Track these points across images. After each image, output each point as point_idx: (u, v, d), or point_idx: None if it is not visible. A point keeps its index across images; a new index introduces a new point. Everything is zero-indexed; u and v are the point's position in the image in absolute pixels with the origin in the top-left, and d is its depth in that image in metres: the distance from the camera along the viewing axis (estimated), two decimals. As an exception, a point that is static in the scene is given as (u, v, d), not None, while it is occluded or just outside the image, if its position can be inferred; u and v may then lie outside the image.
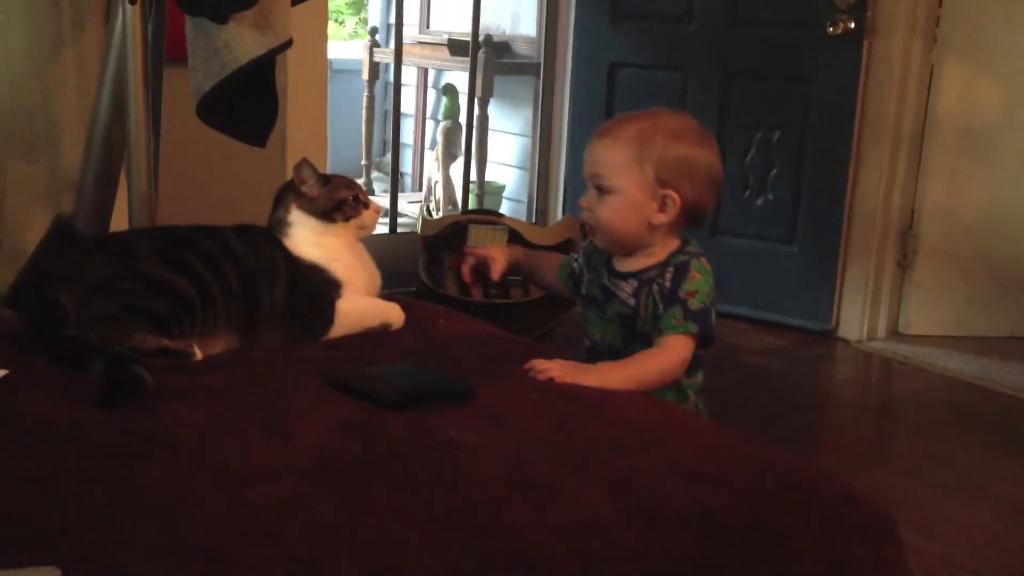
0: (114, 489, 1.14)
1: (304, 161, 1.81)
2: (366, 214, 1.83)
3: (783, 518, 1.25)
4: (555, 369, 1.62)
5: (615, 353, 1.77)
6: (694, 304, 1.70)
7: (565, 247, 3.17)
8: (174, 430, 1.31)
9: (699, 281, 1.72)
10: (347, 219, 1.81)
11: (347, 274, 1.79)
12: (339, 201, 1.80)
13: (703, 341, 1.72)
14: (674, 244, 1.79)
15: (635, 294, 1.76)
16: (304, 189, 1.80)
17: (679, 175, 1.74)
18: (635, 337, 1.76)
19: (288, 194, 1.82)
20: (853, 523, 1.29)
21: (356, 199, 1.82)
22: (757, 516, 1.25)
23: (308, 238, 1.79)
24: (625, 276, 1.78)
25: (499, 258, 1.93)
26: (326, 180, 1.83)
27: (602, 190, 1.75)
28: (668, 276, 1.73)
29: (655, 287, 1.73)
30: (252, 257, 1.73)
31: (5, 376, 1.43)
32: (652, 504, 1.23)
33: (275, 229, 1.81)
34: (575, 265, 1.90)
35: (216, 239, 1.73)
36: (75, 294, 1.58)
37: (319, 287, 1.76)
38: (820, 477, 1.38)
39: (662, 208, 1.74)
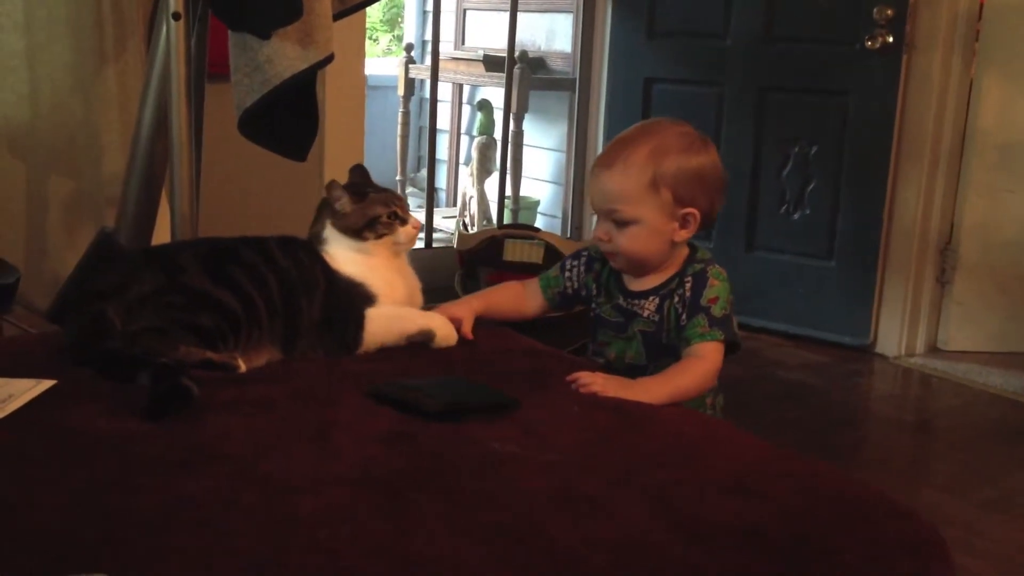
0: (162, 500, 1.15)
1: (333, 182, 1.81)
2: (401, 231, 1.80)
3: (832, 534, 1.24)
4: (599, 383, 1.62)
5: (637, 371, 1.77)
6: (716, 311, 1.72)
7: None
8: (221, 442, 1.31)
9: (719, 288, 1.74)
10: (379, 237, 1.79)
11: (384, 289, 1.78)
12: (371, 219, 1.79)
13: (730, 347, 1.73)
14: (684, 252, 1.80)
15: (658, 310, 1.77)
16: (337, 207, 1.80)
17: (695, 190, 1.75)
18: (659, 352, 1.77)
19: (324, 211, 1.82)
20: (903, 539, 1.28)
21: (393, 215, 1.80)
22: (805, 531, 1.24)
23: (344, 255, 1.78)
24: (645, 295, 1.79)
25: (464, 315, 1.84)
26: (362, 196, 1.81)
27: (619, 223, 1.74)
28: (688, 285, 1.75)
29: (676, 298, 1.75)
30: (294, 270, 1.73)
31: (53, 387, 1.44)
32: (697, 518, 1.23)
33: (314, 243, 1.81)
34: (567, 285, 1.89)
35: (259, 251, 1.73)
36: (121, 307, 1.58)
37: (354, 300, 1.75)
38: (868, 492, 1.36)
39: (684, 226, 1.75)
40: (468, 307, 1.87)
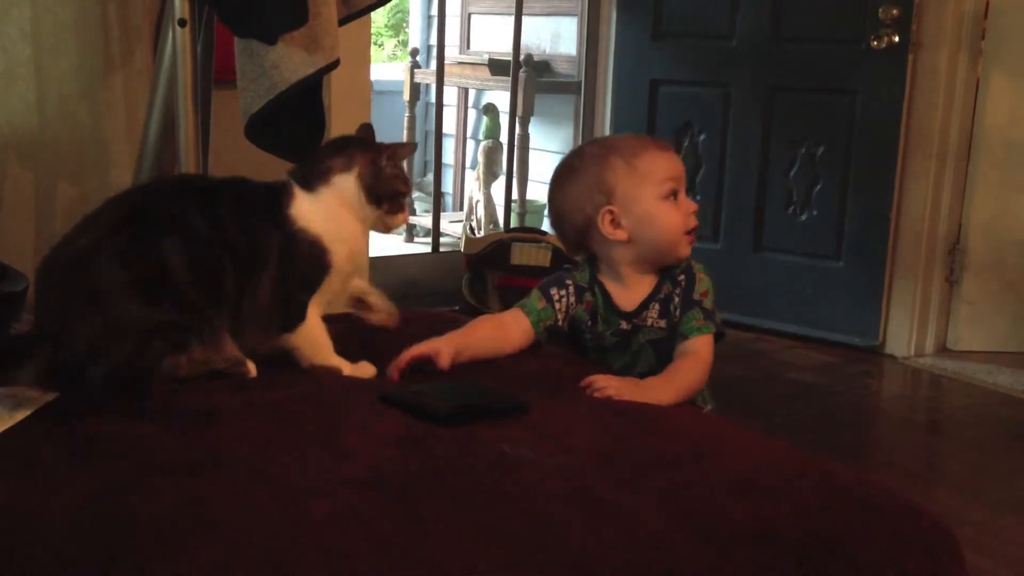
0: (176, 504, 1.15)
1: (413, 144, 1.74)
2: (400, 216, 1.74)
3: (845, 533, 1.24)
4: (613, 386, 1.62)
5: (646, 377, 1.77)
6: (708, 304, 1.78)
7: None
8: (233, 446, 1.31)
9: (706, 281, 1.80)
10: (389, 212, 1.70)
11: (342, 256, 1.67)
12: (398, 192, 1.71)
13: (717, 337, 1.77)
14: None
15: (662, 316, 1.79)
16: (384, 162, 1.68)
17: None
18: (668, 355, 1.78)
19: (354, 155, 1.69)
20: (917, 539, 1.27)
21: (405, 198, 1.74)
22: (818, 531, 1.23)
23: (329, 210, 1.66)
24: (645, 305, 1.80)
25: (443, 349, 1.70)
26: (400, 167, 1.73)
27: (675, 197, 1.79)
28: (681, 282, 1.79)
29: (676, 299, 1.78)
30: (244, 239, 1.59)
31: (56, 399, 1.44)
32: (710, 519, 1.22)
33: (299, 181, 1.68)
34: (558, 318, 1.83)
35: (208, 218, 1.57)
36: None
37: (306, 270, 1.64)
38: (882, 492, 1.36)
39: None
40: (451, 342, 1.72)
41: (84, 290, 1.53)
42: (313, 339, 1.67)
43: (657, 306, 1.79)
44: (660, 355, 1.79)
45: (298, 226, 1.63)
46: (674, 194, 1.78)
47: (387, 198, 1.70)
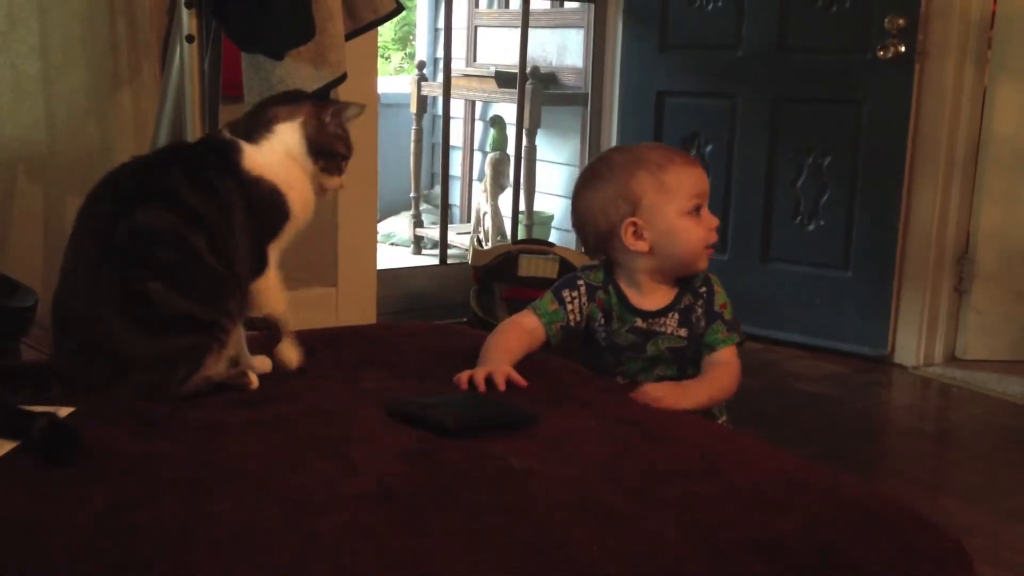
0: (184, 518, 1.15)
1: (361, 105, 1.72)
2: (335, 179, 1.71)
3: (854, 545, 1.23)
4: (669, 395, 1.67)
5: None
6: (728, 315, 1.83)
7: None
8: (241, 461, 1.31)
9: (723, 294, 1.85)
10: (323, 170, 1.69)
11: (296, 208, 1.67)
12: (337, 151, 1.70)
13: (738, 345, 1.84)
14: None
15: (682, 324, 1.82)
16: (328, 118, 1.68)
17: None
18: (687, 364, 1.83)
19: (301, 105, 1.69)
20: (925, 550, 1.27)
21: (345, 163, 1.72)
22: (827, 543, 1.23)
23: (278, 158, 1.65)
24: (664, 312, 1.82)
25: (507, 369, 1.69)
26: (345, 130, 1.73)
27: (698, 212, 1.81)
28: (703, 293, 1.83)
29: (698, 310, 1.82)
30: (215, 208, 1.56)
31: (72, 412, 1.44)
32: (718, 530, 1.22)
33: (242, 135, 1.65)
34: (570, 318, 1.85)
35: (173, 209, 1.54)
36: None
37: (269, 216, 1.64)
38: (890, 503, 1.35)
39: None
40: (505, 364, 1.71)
41: (92, 338, 1.53)
42: (270, 288, 1.67)
43: (677, 315, 1.82)
44: (681, 364, 1.83)
45: (255, 175, 1.62)
46: (697, 209, 1.80)
47: (325, 155, 1.68)
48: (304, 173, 1.68)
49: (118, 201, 1.57)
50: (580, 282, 1.86)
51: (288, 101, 1.71)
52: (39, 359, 1.66)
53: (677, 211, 1.79)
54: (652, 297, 1.83)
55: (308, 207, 1.70)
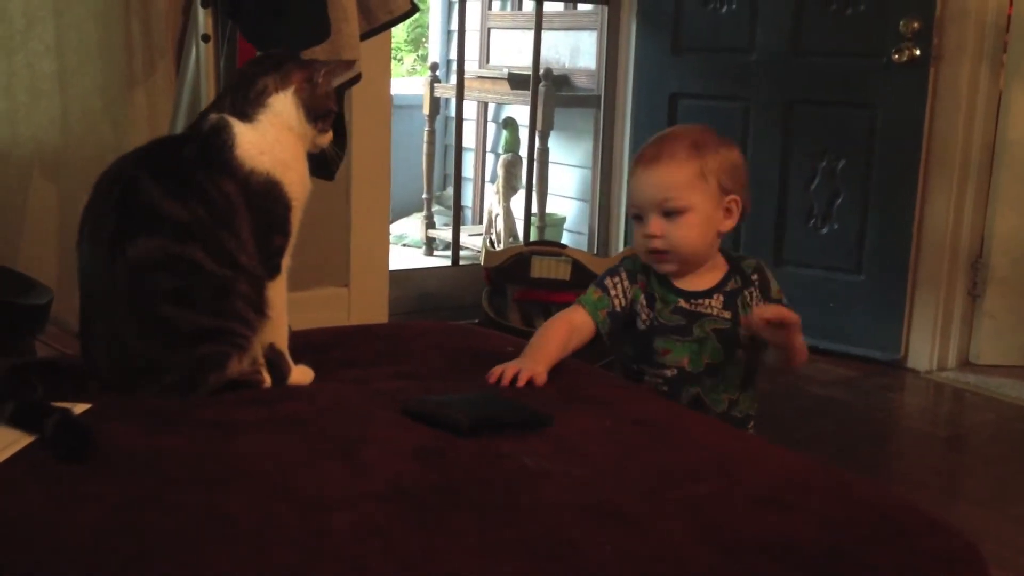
0: (198, 516, 1.15)
1: (349, 62, 1.70)
2: (327, 136, 1.68)
3: (866, 548, 1.23)
4: (789, 314, 1.73)
5: (714, 371, 1.83)
6: (785, 300, 1.86)
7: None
8: (254, 459, 1.32)
9: (776, 281, 1.87)
10: (321, 131, 1.66)
11: (297, 187, 1.63)
12: (331, 109, 1.67)
13: None
14: (717, 250, 1.87)
15: (726, 307, 1.83)
16: (320, 79, 1.65)
17: (735, 180, 1.83)
18: (734, 347, 1.83)
19: (290, 71, 1.63)
20: (939, 554, 1.26)
21: (333, 117, 1.70)
22: (839, 545, 1.23)
23: (272, 138, 1.60)
24: (708, 293, 1.83)
25: (541, 372, 1.71)
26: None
27: (672, 212, 1.79)
28: (756, 280, 1.85)
29: (746, 295, 1.83)
30: (200, 208, 1.52)
31: (88, 410, 1.45)
32: (730, 532, 1.22)
33: (235, 113, 1.60)
34: (615, 303, 1.85)
35: (158, 232, 1.50)
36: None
37: (271, 212, 1.60)
38: (904, 506, 1.35)
39: (728, 215, 1.82)
40: (542, 367, 1.72)
41: (117, 355, 1.55)
42: (277, 300, 1.63)
43: (721, 297, 1.83)
44: (726, 346, 1.83)
45: (248, 167, 1.57)
46: (638, 216, 1.83)
47: (321, 117, 1.66)
48: (301, 142, 1.64)
49: (109, 243, 1.53)
50: (620, 269, 1.89)
51: (273, 67, 1.64)
52: (73, 357, 1.66)
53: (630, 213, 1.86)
54: (694, 279, 1.84)
55: (306, 182, 1.66)
